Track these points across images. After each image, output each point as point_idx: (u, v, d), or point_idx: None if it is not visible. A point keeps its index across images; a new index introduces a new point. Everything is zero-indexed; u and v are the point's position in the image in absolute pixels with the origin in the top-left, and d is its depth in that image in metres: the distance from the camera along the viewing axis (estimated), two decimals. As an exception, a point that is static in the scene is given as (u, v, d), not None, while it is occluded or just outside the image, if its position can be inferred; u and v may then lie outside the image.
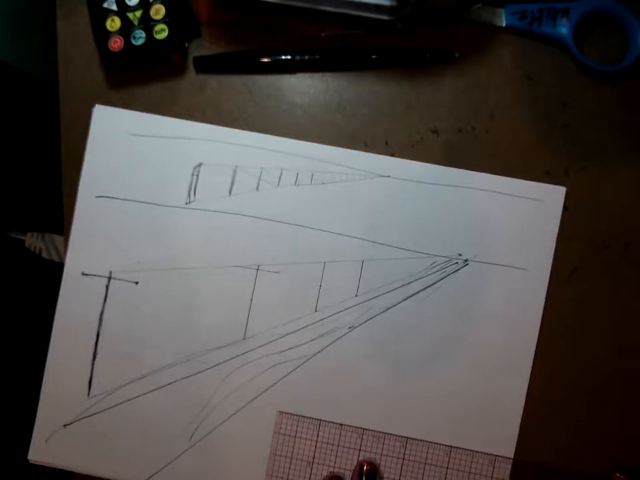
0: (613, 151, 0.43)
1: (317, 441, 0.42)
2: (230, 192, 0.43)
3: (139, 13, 0.43)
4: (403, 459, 0.42)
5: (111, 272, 0.43)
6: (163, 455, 0.42)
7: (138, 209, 0.43)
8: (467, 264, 0.42)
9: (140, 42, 0.42)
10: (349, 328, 0.42)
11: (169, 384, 0.43)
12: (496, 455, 0.42)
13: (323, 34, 0.43)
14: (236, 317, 0.43)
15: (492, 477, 0.42)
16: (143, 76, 0.44)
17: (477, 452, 0.42)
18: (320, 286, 0.43)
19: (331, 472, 0.38)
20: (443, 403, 0.42)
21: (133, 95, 0.44)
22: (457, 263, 0.42)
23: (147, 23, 0.42)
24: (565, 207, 0.42)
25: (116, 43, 0.43)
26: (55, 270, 0.44)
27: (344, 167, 0.43)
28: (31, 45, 0.58)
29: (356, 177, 0.43)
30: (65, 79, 0.44)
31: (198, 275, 0.43)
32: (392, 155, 0.43)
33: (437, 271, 0.42)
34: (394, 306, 0.42)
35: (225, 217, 0.43)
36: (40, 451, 0.43)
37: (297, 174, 0.43)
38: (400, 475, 0.42)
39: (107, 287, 0.43)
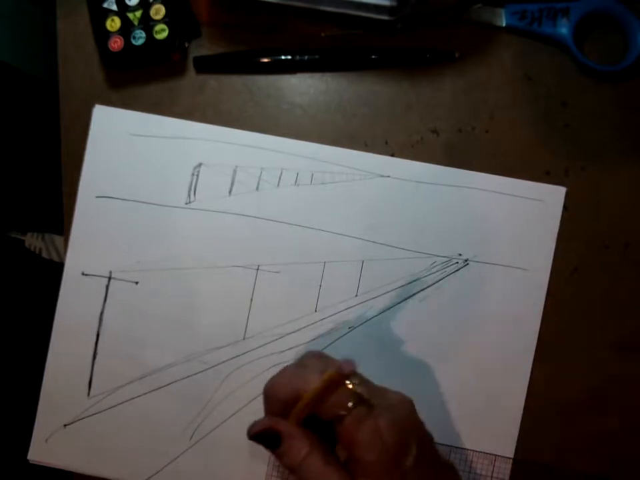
0: (612, 151, 0.43)
1: (316, 440, 0.42)
2: (230, 192, 0.43)
3: (138, 13, 0.43)
4: (403, 459, 0.42)
5: (110, 272, 0.43)
6: (163, 455, 0.42)
7: (138, 209, 0.43)
8: (467, 264, 0.42)
9: (140, 42, 0.42)
10: (349, 328, 0.42)
11: (169, 384, 0.43)
12: (496, 455, 0.42)
13: (323, 34, 0.43)
14: (236, 317, 0.43)
15: (492, 477, 0.42)
16: (142, 76, 0.44)
17: (477, 451, 0.42)
18: (320, 286, 0.43)
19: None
20: (443, 403, 0.42)
21: (133, 95, 0.44)
22: (457, 262, 0.42)
23: (147, 23, 0.42)
24: (565, 207, 0.42)
25: (116, 43, 0.43)
26: (55, 270, 0.44)
27: (344, 166, 0.43)
28: (31, 45, 0.58)
29: (356, 176, 0.43)
30: (64, 79, 0.44)
31: (198, 275, 0.43)
32: (392, 155, 0.43)
33: (437, 271, 0.42)
34: (394, 306, 0.42)
35: (224, 217, 0.43)
36: (40, 451, 0.43)
37: (297, 174, 0.43)
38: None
39: (107, 286, 0.43)
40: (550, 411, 0.42)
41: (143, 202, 0.43)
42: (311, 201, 0.43)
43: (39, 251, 0.55)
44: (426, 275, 0.42)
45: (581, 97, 0.43)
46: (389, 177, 0.43)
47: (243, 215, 0.43)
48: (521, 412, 0.42)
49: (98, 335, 0.43)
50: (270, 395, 0.33)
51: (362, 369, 0.36)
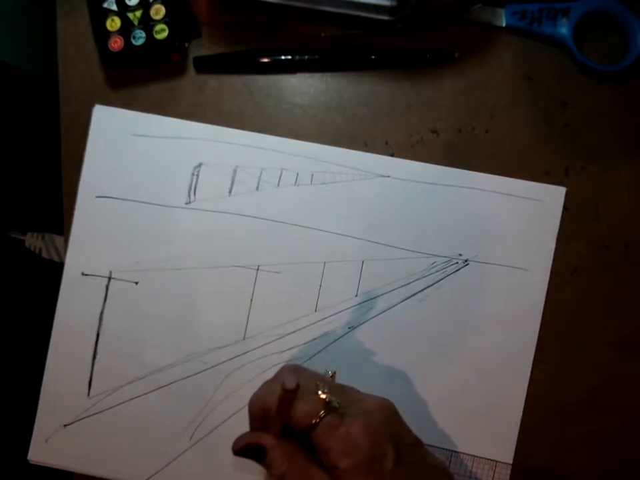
0: (613, 151, 0.43)
1: (316, 441, 0.42)
2: (230, 192, 0.43)
3: (138, 13, 0.43)
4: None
5: (111, 272, 0.43)
6: (163, 455, 0.42)
7: (138, 209, 0.43)
8: (467, 264, 0.42)
9: (140, 42, 0.42)
10: (349, 328, 0.42)
11: (169, 384, 0.43)
12: (497, 461, 0.41)
13: (323, 34, 0.43)
14: (236, 316, 0.43)
15: None
16: (142, 76, 0.44)
17: (477, 457, 0.42)
18: (320, 286, 0.43)
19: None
20: (443, 404, 0.42)
21: (133, 95, 0.44)
22: (457, 262, 0.42)
23: (147, 23, 0.42)
24: (565, 207, 0.42)
25: (116, 43, 0.43)
26: (55, 270, 0.44)
27: (344, 166, 0.43)
28: (31, 45, 0.58)
29: (356, 176, 0.43)
30: (64, 79, 0.44)
31: (198, 275, 0.43)
32: (392, 155, 0.43)
33: (437, 271, 0.42)
34: (394, 306, 0.42)
35: (224, 217, 0.43)
36: (40, 451, 0.43)
37: (297, 174, 0.43)
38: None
39: (107, 286, 0.43)
40: (550, 411, 0.42)
41: (142, 202, 0.43)
42: (311, 201, 0.43)
43: (39, 250, 0.55)
44: (426, 274, 0.42)
45: (581, 96, 0.43)
46: (389, 177, 0.43)
47: (243, 215, 0.43)
48: (521, 412, 0.42)
49: (98, 335, 0.43)
50: (249, 410, 0.35)
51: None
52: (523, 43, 0.43)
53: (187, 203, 0.43)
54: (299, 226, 0.43)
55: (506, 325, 0.42)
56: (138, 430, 0.43)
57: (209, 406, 0.42)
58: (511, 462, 0.41)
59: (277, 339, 0.43)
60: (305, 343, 0.42)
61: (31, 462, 0.43)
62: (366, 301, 0.42)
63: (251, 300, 0.43)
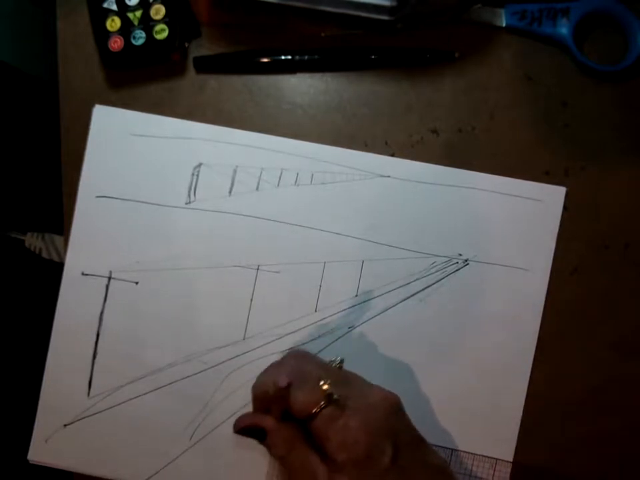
0: (613, 150, 0.43)
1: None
2: (230, 192, 0.43)
3: (138, 13, 0.43)
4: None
5: (111, 272, 0.43)
6: (163, 455, 0.42)
7: (138, 208, 0.43)
8: (467, 264, 0.42)
9: (140, 42, 0.42)
10: (349, 328, 0.42)
11: (169, 384, 0.43)
12: (497, 459, 0.42)
13: (323, 34, 0.43)
14: (236, 317, 0.43)
15: None
16: (142, 76, 0.44)
17: (477, 455, 0.42)
18: (320, 286, 0.43)
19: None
20: (443, 403, 0.42)
21: (133, 95, 0.44)
22: (457, 262, 0.42)
23: (147, 23, 0.42)
24: (565, 207, 0.42)
25: (116, 43, 0.43)
26: (55, 270, 0.44)
27: (344, 166, 0.43)
28: (31, 45, 0.58)
29: (356, 176, 0.43)
30: (64, 79, 0.44)
31: (198, 275, 0.43)
32: (392, 155, 0.43)
33: (437, 271, 0.42)
34: (394, 306, 0.42)
35: (224, 217, 0.43)
36: (40, 451, 0.43)
37: (297, 174, 0.43)
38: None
39: (107, 286, 0.43)
40: (550, 411, 0.42)
41: (142, 202, 0.43)
42: (311, 201, 0.43)
43: (39, 251, 0.55)
44: (426, 274, 0.42)
45: (581, 96, 0.43)
46: (389, 177, 0.43)
47: (243, 215, 0.43)
48: (521, 412, 0.42)
49: (98, 335, 0.43)
50: (252, 391, 0.35)
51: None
52: (523, 43, 0.43)
53: (186, 203, 0.43)
54: (299, 226, 0.43)
55: (506, 325, 0.42)
56: (138, 430, 0.42)
57: (209, 406, 0.42)
58: (511, 460, 0.41)
59: (276, 339, 0.43)
60: (305, 343, 0.42)
61: (30, 462, 0.43)
62: (366, 301, 0.42)
63: (251, 300, 0.43)
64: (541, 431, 0.42)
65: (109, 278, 0.43)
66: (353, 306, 0.42)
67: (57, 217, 0.44)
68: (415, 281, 0.42)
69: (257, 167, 0.43)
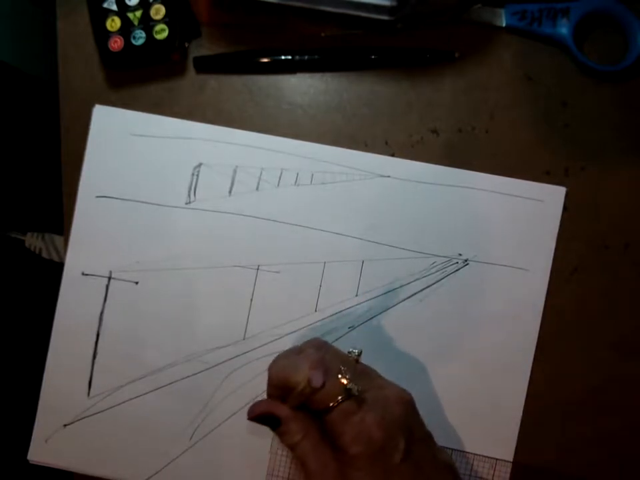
0: (612, 151, 0.43)
1: (316, 440, 0.42)
2: (230, 192, 0.43)
3: (138, 13, 0.43)
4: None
5: (111, 272, 0.43)
6: (163, 455, 0.42)
7: (138, 208, 0.43)
8: (467, 264, 0.42)
9: (140, 42, 0.42)
10: (349, 328, 0.42)
11: (169, 384, 0.43)
12: (497, 459, 0.42)
13: (323, 34, 0.43)
14: (236, 317, 0.43)
15: None
16: (142, 76, 0.44)
17: (477, 455, 0.42)
18: (320, 286, 0.43)
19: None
20: (443, 403, 0.42)
21: (133, 95, 0.44)
22: (457, 262, 0.42)
23: (147, 23, 0.42)
24: (565, 207, 0.42)
25: (116, 43, 0.43)
26: (55, 270, 0.44)
27: (344, 166, 0.43)
28: (31, 45, 0.58)
29: (356, 176, 0.43)
30: (64, 79, 0.44)
31: (198, 275, 0.43)
32: (392, 155, 0.43)
33: (437, 271, 0.42)
34: (394, 306, 0.42)
35: (224, 217, 0.43)
36: (40, 451, 0.43)
37: (297, 174, 0.43)
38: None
39: (107, 286, 0.43)
40: (550, 411, 0.42)
41: (142, 202, 0.43)
42: (311, 201, 0.43)
43: (39, 251, 0.55)
44: (426, 274, 0.42)
45: (581, 97, 0.43)
46: (389, 177, 0.43)
47: (243, 215, 0.43)
48: (521, 412, 0.42)
49: (98, 335, 0.43)
50: (270, 377, 0.34)
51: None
52: (523, 43, 0.43)
53: (187, 203, 0.43)
54: (299, 226, 0.43)
55: (506, 325, 0.42)
56: (138, 430, 0.43)
57: (209, 406, 0.42)
58: (511, 460, 0.41)
59: (276, 339, 0.43)
60: (305, 343, 0.42)
61: (30, 462, 0.43)
62: (366, 301, 0.42)
63: (251, 300, 0.43)
64: (541, 430, 0.42)
65: (109, 278, 0.43)
66: (353, 306, 0.42)
67: (57, 217, 0.44)
68: (415, 280, 0.42)
69: (256, 167, 0.43)
